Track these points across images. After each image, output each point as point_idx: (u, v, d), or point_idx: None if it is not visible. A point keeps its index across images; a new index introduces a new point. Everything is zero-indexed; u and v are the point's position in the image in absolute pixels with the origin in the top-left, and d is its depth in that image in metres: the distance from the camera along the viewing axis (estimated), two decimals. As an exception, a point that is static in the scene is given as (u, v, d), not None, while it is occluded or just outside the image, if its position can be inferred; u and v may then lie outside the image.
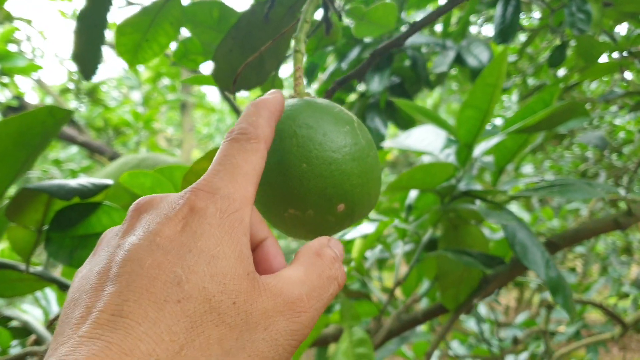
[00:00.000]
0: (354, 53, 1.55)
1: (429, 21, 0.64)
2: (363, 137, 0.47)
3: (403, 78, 1.66)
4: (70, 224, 0.78)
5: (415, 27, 0.63)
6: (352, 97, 1.77)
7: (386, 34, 1.37)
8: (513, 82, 2.00)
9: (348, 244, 1.11)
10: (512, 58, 1.94)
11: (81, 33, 0.69)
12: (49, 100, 4.31)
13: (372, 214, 1.17)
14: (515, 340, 1.70)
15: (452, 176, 1.03)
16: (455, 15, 1.71)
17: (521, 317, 2.23)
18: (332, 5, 0.69)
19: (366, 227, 1.03)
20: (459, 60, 1.44)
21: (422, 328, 1.78)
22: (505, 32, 1.15)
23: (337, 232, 0.49)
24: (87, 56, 0.70)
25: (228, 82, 0.72)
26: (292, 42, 0.53)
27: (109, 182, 0.77)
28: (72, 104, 4.18)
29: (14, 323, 0.97)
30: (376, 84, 1.54)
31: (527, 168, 2.99)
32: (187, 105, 4.16)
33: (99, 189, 0.75)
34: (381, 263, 1.56)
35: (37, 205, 0.77)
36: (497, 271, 1.09)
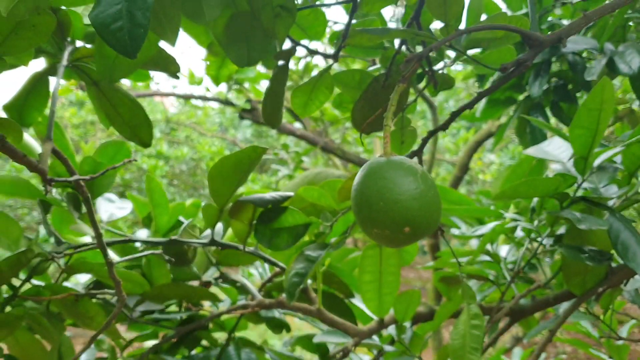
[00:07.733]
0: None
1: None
2: (423, 182, 0.75)
3: (565, 80, 1.79)
4: (269, 221, 1.17)
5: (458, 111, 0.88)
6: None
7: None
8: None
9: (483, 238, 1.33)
10: None
11: (268, 100, 1.06)
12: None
13: (510, 213, 1.38)
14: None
15: (573, 184, 1.20)
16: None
17: None
18: (433, 78, 0.96)
19: (489, 226, 1.25)
20: (611, 66, 1.51)
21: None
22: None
23: (408, 245, 0.78)
24: (273, 115, 1.08)
25: (361, 127, 1.04)
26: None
27: (291, 194, 1.14)
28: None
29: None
30: (536, 89, 1.72)
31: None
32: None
33: (284, 199, 1.13)
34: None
35: (248, 208, 1.17)
36: (623, 264, 1.23)
